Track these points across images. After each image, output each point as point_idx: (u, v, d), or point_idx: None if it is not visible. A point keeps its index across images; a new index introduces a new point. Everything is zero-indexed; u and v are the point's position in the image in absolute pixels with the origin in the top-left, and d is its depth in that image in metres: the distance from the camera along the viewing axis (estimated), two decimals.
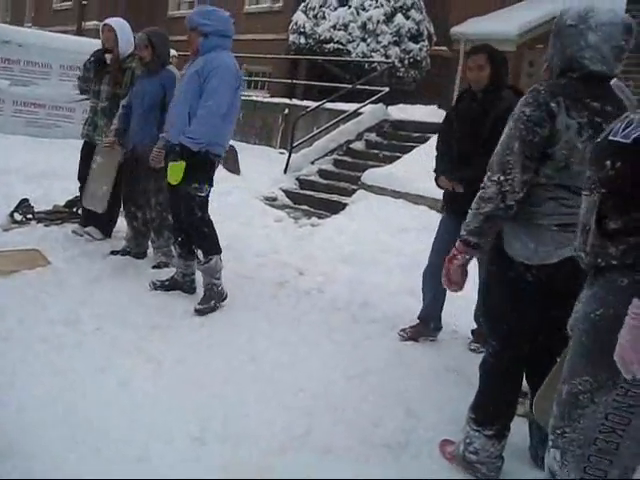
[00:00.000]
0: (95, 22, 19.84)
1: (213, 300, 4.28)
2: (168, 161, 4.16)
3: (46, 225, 5.60)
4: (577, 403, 1.86)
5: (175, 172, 4.08)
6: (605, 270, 1.82)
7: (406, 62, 14.65)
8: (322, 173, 9.62)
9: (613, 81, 2.50)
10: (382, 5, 14.58)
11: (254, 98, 14.46)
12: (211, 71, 4.05)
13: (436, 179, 4.07)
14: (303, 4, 15.36)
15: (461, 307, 4.29)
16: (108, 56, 5.19)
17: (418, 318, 4.20)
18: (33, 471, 2.43)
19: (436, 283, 4.03)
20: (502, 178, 2.46)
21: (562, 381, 1.94)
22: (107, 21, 5.28)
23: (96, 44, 5.63)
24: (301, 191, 9.18)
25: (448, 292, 4.11)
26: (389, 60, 13.91)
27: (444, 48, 16.19)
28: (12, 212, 5.61)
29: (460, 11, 15.78)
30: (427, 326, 4.18)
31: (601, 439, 1.81)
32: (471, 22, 15.87)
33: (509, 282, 2.59)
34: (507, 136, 2.47)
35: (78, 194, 5.59)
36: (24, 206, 5.68)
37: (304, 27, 15.01)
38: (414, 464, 2.79)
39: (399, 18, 14.60)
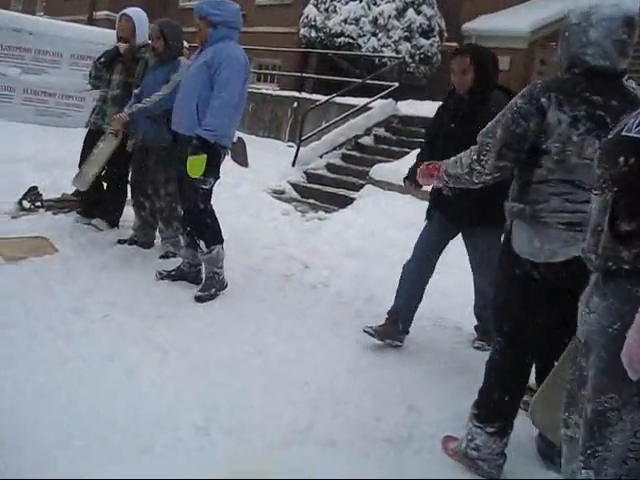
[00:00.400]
0: (106, 12, 19.88)
1: (214, 288, 4.32)
2: (187, 154, 4.05)
3: (54, 213, 5.62)
4: (606, 420, 1.79)
5: (197, 165, 4.04)
6: (616, 274, 1.76)
7: (417, 58, 14.60)
8: (330, 167, 9.61)
9: (632, 83, 2.49)
10: (394, 0, 14.53)
11: (264, 91, 14.45)
12: (222, 62, 4.05)
13: (404, 179, 3.98)
14: None
15: (464, 304, 4.28)
16: (122, 45, 5.15)
17: (387, 313, 3.92)
18: (38, 460, 2.45)
19: (415, 279, 3.92)
20: (475, 157, 2.60)
21: (587, 399, 1.87)
22: (125, 11, 5.24)
23: (108, 34, 5.62)
24: (309, 185, 9.18)
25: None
26: (400, 55, 13.88)
27: (455, 44, 16.11)
28: (21, 200, 5.63)
29: (472, 7, 15.71)
30: (395, 326, 3.87)
31: (631, 457, 1.76)
32: (483, 18, 15.80)
33: (516, 279, 2.59)
34: (495, 120, 2.56)
35: None
36: (33, 194, 5.70)
37: (315, 20, 14.99)
38: (416, 460, 2.79)
39: (410, 13, 14.55)
